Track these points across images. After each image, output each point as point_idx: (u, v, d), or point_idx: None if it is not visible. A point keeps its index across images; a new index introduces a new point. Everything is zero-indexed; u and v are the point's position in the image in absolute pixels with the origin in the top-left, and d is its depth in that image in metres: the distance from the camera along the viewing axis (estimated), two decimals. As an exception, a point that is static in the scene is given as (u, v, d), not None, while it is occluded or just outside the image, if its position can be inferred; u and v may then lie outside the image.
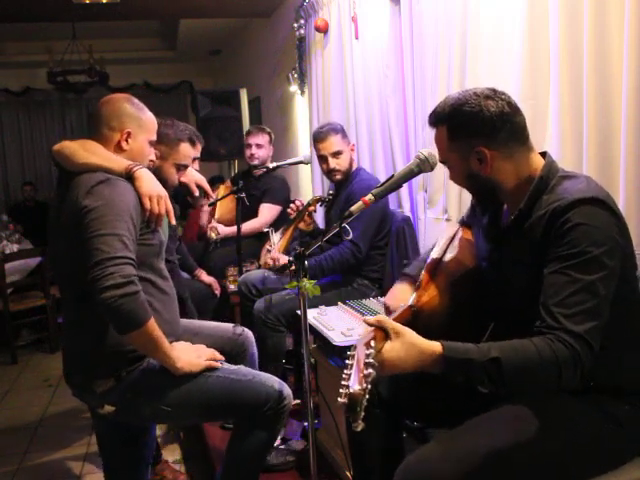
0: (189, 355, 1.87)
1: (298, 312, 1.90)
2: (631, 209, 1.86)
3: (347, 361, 1.27)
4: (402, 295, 1.76)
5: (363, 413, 1.16)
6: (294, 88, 5.00)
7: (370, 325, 1.34)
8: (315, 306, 2.63)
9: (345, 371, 1.23)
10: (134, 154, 1.95)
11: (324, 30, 4.14)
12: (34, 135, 8.62)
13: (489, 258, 1.62)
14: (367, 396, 1.16)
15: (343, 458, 2.09)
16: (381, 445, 1.73)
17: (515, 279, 1.51)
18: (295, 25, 4.60)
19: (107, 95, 2.01)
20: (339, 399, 1.18)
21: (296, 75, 4.85)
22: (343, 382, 1.20)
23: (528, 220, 1.46)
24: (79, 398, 1.96)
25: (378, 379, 1.72)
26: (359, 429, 1.16)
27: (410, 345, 1.31)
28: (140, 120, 1.97)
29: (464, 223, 1.87)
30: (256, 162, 3.97)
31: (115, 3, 5.05)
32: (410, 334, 1.33)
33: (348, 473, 2.06)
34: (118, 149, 1.93)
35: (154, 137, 2.04)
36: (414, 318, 1.56)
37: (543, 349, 1.28)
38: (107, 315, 1.68)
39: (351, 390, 1.16)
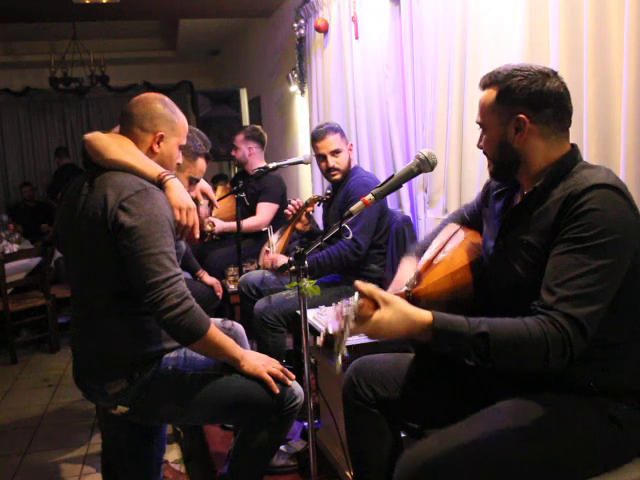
0: (256, 360, 1.89)
1: (298, 312, 1.90)
2: (631, 209, 1.86)
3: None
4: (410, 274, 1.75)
5: (341, 355, 1.22)
6: (294, 88, 5.00)
7: (360, 292, 1.34)
8: (315, 306, 2.63)
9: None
10: (164, 157, 1.92)
11: (324, 30, 4.14)
12: (34, 135, 8.63)
13: (496, 244, 1.59)
14: (345, 337, 1.23)
15: (343, 458, 2.09)
16: (380, 445, 1.73)
17: (521, 263, 1.48)
18: (295, 25, 4.60)
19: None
20: (318, 338, 1.27)
21: (296, 75, 4.85)
22: (322, 327, 1.25)
23: (544, 204, 1.44)
24: (90, 400, 1.95)
25: (375, 379, 1.74)
26: (338, 369, 1.24)
27: (400, 313, 1.33)
28: (173, 123, 1.92)
29: (465, 222, 1.86)
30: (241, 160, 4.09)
31: (115, 3, 5.05)
32: (400, 302, 1.34)
33: (348, 473, 2.06)
34: (150, 151, 1.89)
35: (184, 141, 2.00)
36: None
37: (533, 329, 1.28)
38: (170, 333, 1.75)
39: (329, 329, 1.25)
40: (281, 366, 1.92)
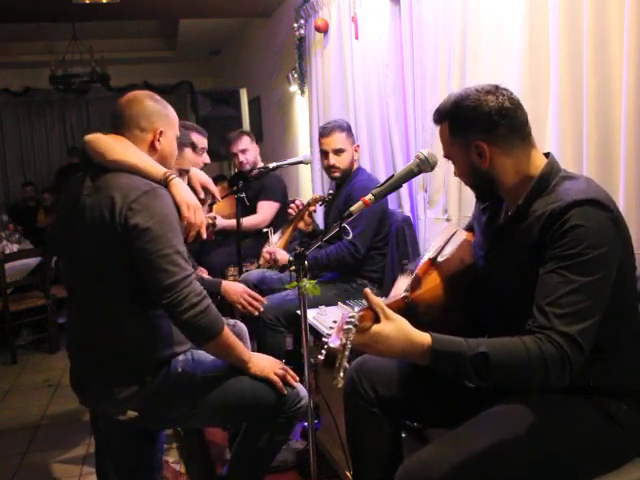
0: (262, 362, 1.89)
1: (298, 312, 1.90)
2: (631, 209, 1.86)
3: (331, 326, 1.32)
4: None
5: (342, 370, 1.21)
6: (294, 88, 5.00)
7: (367, 301, 1.34)
8: (315, 306, 2.63)
9: (327, 332, 1.26)
10: (165, 153, 1.91)
11: (324, 30, 4.14)
12: (34, 135, 8.63)
13: (486, 256, 1.62)
14: (347, 352, 1.22)
15: (343, 458, 2.09)
16: (381, 445, 1.73)
17: (511, 278, 1.51)
18: (295, 25, 4.60)
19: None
20: (319, 356, 1.24)
21: (296, 75, 4.84)
22: (324, 339, 1.25)
23: (526, 220, 1.46)
24: (95, 407, 1.91)
25: (377, 377, 1.74)
26: (339, 386, 1.22)
27: (400, 332, 1.33)
28: (167, 117, 1.92)
29: (469, 227, 1.87)
30: (248, 167, 3.96)
31: (115, 3, 5.05)
32: (402, 321, 1.35)
33: (348, 473, 2.06)
34: (151, 149, 1.88)
35: (178, 132, 1.99)
36: (407, 310, 1.56)
37: (532, 348, 1.28)
38: (187, 332, 1.75)
39: (330, 344, 1.23)
40: (286, 367, 1.91)
